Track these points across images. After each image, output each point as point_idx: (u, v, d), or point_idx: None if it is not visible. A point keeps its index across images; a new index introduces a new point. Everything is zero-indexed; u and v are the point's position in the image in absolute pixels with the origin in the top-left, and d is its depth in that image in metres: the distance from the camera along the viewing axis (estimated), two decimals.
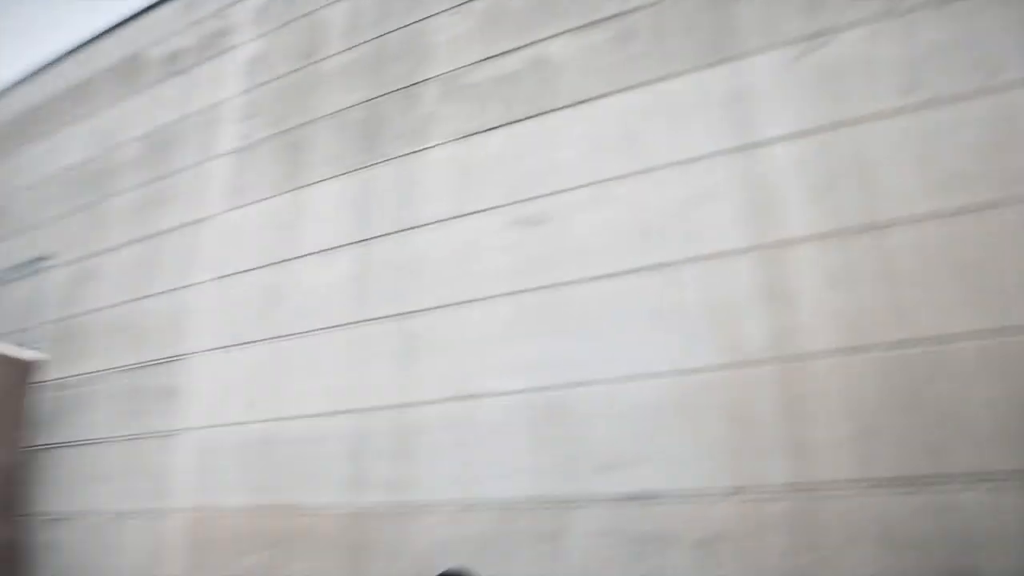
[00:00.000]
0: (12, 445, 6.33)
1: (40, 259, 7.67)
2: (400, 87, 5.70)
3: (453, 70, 5.46)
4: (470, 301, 4.82)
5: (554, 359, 4.41)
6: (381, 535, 4.69)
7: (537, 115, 4.98)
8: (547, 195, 4.74)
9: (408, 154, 5.46)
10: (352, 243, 5.50)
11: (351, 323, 5.28)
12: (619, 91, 4.71)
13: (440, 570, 2.79)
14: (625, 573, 3.90)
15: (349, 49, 6.14)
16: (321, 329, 5.41)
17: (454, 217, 5.08)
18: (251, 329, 5.81)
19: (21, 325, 7.54)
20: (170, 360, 6.25)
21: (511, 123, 5.07)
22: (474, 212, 5.00)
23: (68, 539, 6.32)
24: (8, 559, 5.95)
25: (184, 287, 6.42)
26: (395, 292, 5.17)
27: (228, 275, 6.14)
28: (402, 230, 5.28)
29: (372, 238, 5.41)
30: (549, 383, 4.38)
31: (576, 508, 4.11)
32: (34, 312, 7.49)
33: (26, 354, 6.79)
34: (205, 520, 5.54)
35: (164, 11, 7.97)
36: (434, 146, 5.35)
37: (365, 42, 6.06)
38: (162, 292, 6.57)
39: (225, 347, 5.92)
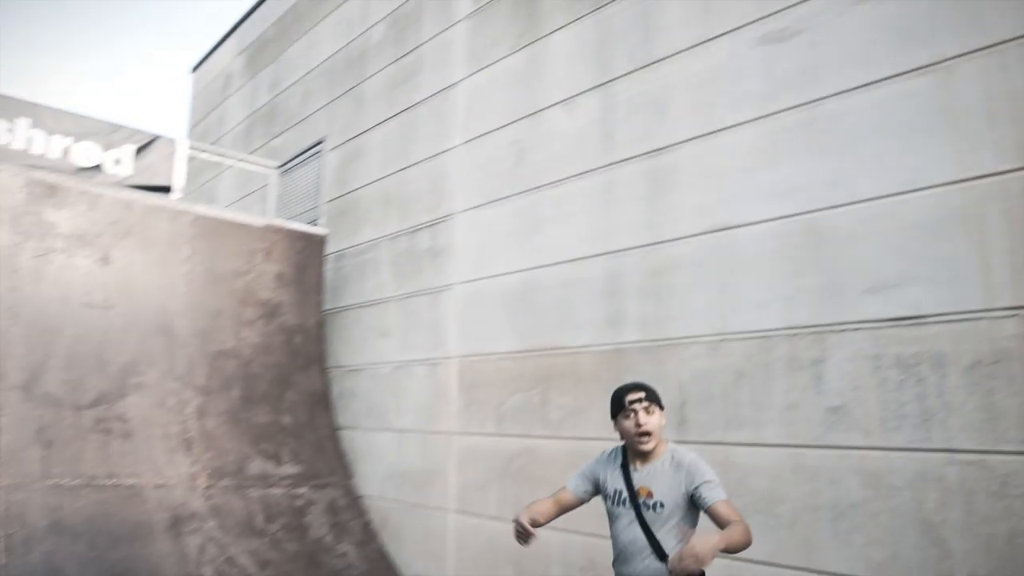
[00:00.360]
0: (316, 309, 7.54)
1: (315, 145, 8.75)
2: None
3: None
4: (720, 130, 4.83)
5: (813, 181, 4.33)
6: (638, 370, 5.03)
7: None
8: (795, 4, 4.54)
9: None
10: (594, 87, 5.68)
11: (599, 167, 5.53)
12: None
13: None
14: (889, 399, 3.87)
15: None
16: (570, 177, 5.73)
17: (697, 44, 5.04)
18: (504, 185, 6.30)
19: (308, 206, 8.76)
20: (434, 223, 6.98)
21: None
22: (718, 36, 4.92)
23: (362, 386, 7.48)
24: (320, 404, 7.21)
25: (440, 153, 7.05)
26: (642, 131, 5.30)
27: (478, 136, 6.64)
28: (644, 66, 5.35)
29: (614, 79, 5.54)
30: (808, 207, 4.32)
31: (837, 333, 4.11)
32: (315, 193, 8.64)
33: (316, 230, 7.92)
34: (475, 365, 6.27)
35: None
36: None
37: None
38: (421, 160, 7.28)
39: (482, 205, 6.48)
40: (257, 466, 6.43)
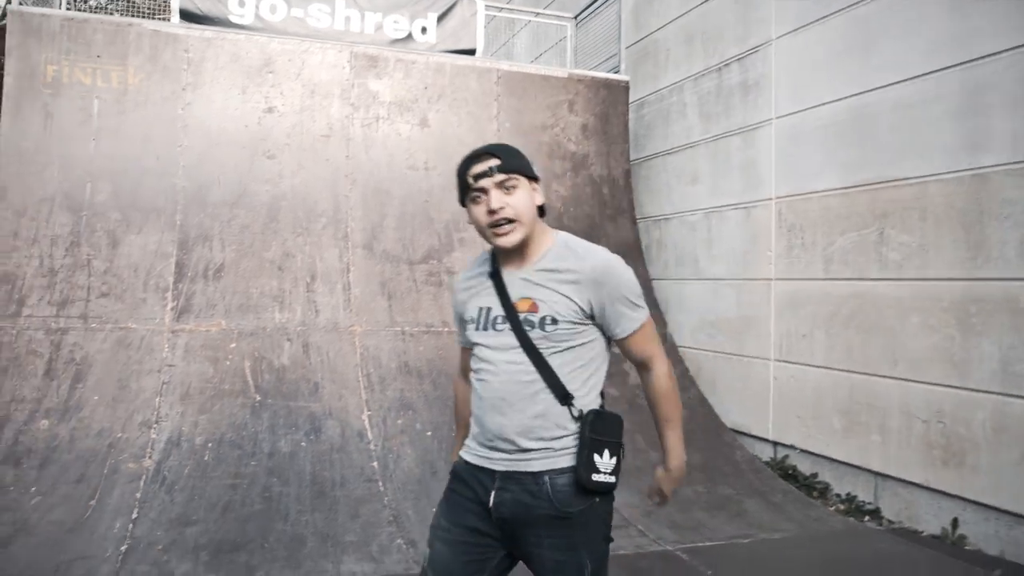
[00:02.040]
0: (621, 158, 7.41)
1: None
2: None
3: None
4: None
5: None
6: (1005, 197, 4.29)
7: None
8: None
9: None
10: None
11: None
12: None
13: None
14: None
15: None
16: None
17: None
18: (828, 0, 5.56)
19: (605, 55, 8.53)
20: (744, 55, 6.42)
21: None
22: None
23: (671, 235, 7.32)
24: (630, 253, 7.16)
25: None
26: None
27: None
28: None
29: None
30: None
31: None
32: (613, 40, 8.36)
33: (617, 78, 7.70)
34: (797, 205, 5.79)
35: None
36: None
37: None
38: None
39: (801, 27, 5.79)
40: None
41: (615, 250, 6.47)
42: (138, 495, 4.53)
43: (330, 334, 5.92)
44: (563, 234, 2.03)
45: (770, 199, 6.08)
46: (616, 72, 7.83)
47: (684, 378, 6.43)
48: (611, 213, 7.26)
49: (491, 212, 1.87)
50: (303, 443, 5.09)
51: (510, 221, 1.88)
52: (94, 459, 4.77)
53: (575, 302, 1.89)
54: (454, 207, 6.75)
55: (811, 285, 5.64)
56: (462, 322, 2.08)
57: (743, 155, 6.41)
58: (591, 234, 7.11)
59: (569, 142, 7.26)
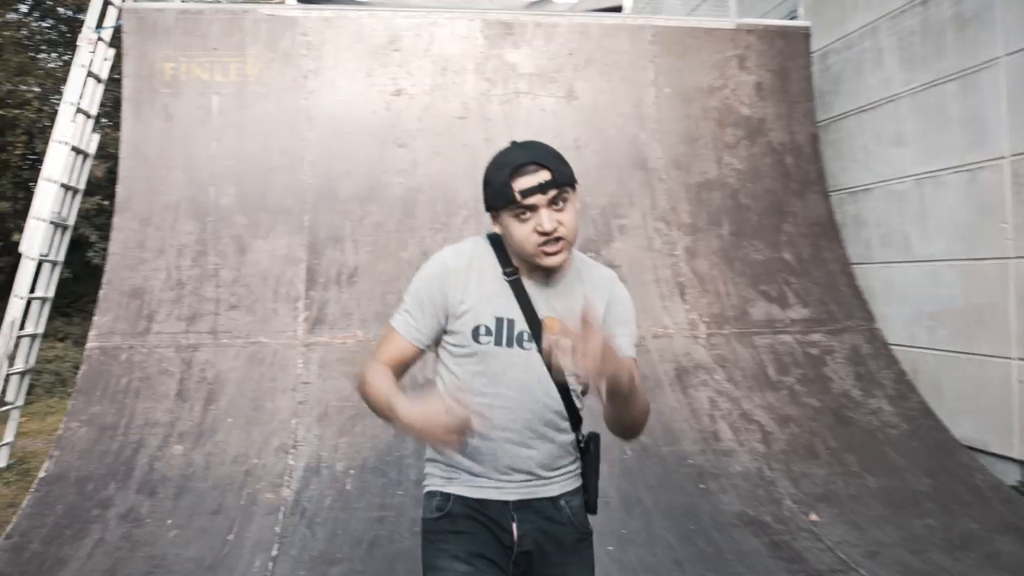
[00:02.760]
0: (806, 120, 6.56)
1: None
2: None
3: None
4: None
5: None
6: None
7: None
8: None
9: None
10: None
11: None
12: None
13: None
14: None
15: None
16: None
17: None
18: None
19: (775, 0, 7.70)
20: None
21: None
22: None
23: (872, 209, 6.42)
24: (824, 234, 6.34)
25: None
26: None
27: None
28: None
29: None
30: None
31: None
32: None
33: (795, 24, 6.87)
34: None
35: None
36: None
37: None
38: None
39: None
40: (760, 310, 5.88)
41: (804, 230, 5.75)
42: (277, 529, 4.26)
43: None
44: None
45: (1002, 158, 5.15)
46: (793, 18, 6.98)
47: (900, 383, 5.57)
48: (797, 187, 6.43)
49: (544, 233, 1.72)
50: None
51: (561, 239, 1.75)
52: (230, 487, 4.56)
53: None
54: (611, 188, 6.22)
55: None
56: (448, 317, 1.84)
57: (962, 106, 5.48)
58: (775, 213, 6.35)
59: (742, 105, 6.48)
